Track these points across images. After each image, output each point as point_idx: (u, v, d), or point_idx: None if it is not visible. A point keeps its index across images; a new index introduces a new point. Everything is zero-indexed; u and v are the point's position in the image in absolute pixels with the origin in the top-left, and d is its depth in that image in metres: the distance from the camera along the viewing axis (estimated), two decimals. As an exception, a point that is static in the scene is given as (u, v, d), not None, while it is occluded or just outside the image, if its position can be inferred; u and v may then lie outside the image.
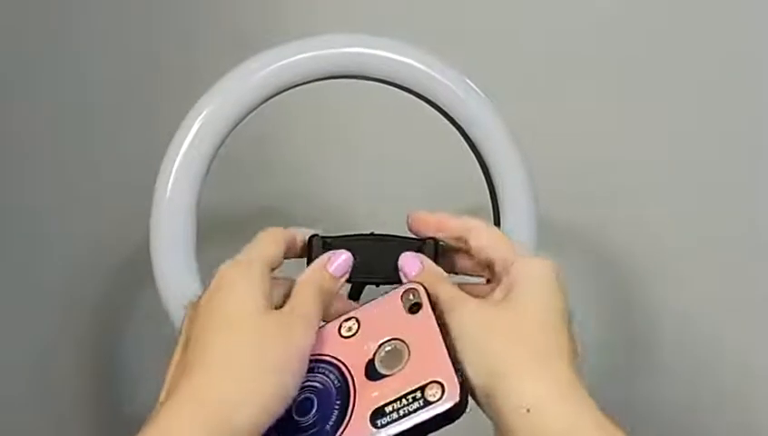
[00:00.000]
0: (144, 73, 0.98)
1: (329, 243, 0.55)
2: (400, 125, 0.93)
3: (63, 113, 1.00)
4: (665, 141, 0.95)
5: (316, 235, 0.56)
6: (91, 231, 1.01)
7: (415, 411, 0.45)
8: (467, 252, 0.56)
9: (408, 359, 0.48)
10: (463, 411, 0.46)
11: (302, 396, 0.48)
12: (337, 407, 0.47)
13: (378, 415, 0.46)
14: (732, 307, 0.97)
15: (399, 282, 0.55)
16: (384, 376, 0.48)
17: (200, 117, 0.64)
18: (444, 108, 0.66)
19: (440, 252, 0.56)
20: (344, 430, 0.46)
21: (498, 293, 0.51)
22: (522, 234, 0.66)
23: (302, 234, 0.56)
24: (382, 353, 0.49)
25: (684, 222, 0.96)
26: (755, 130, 0.94)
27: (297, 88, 0.66)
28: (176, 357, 0.49)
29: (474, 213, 0.59)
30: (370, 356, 0.49)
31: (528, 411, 0.45)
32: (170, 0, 0.98)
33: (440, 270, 0.55)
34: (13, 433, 1.05)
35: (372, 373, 0.48)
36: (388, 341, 0.49)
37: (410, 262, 0.55)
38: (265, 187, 1.00)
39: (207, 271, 0.65)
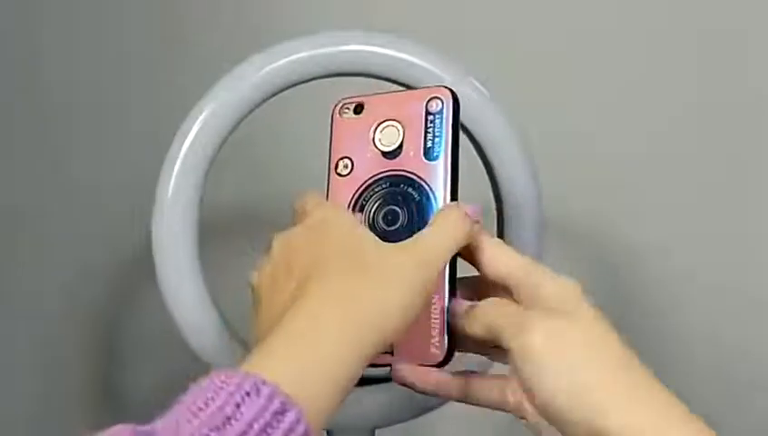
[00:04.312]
0: (145, 72, 0.98)
1: None
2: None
3: (63, 113, 1.00)
4: (667, 137, 0.95)
5: None
6: (93, 230, 1.01)
7: None
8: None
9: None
10: None
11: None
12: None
13: None
14: (734, 301, 0.97)
15: None
16: None
17: (201, 116, 0.64)
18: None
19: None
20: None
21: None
22: (527, 233, 0.66)
23: None
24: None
25: (684, 216, 0.95)
26: (757, 124, 0.94)
27: (298, 87, 0.66)
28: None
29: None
30: None
31: None
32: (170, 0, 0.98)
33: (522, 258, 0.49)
34: (14, 431, 1.05)
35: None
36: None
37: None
38: (265, 186, 1.00)
39: (208, 270, 0.65)
